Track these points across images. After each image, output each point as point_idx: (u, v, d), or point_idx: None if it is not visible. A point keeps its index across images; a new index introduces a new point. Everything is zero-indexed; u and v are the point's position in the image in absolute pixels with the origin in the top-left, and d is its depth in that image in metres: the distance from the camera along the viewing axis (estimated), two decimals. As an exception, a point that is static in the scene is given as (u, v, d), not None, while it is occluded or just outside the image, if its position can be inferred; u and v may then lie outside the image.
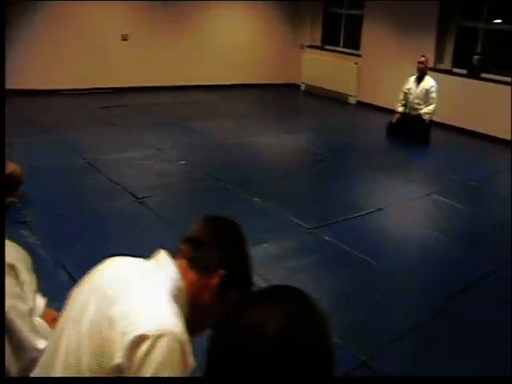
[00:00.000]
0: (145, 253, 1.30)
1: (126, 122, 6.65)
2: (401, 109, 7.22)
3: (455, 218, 4.55)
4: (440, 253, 3.91)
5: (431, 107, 6.95)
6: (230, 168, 5.27)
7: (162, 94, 8.39)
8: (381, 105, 8.70)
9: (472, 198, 5.18)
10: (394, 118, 7.23)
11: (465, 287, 3.41)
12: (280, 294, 0.81)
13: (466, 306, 3.22)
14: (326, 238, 3.84)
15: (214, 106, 8.17)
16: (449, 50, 8.26)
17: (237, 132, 6.64)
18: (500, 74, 7.64)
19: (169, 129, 6.53)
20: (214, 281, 1.15)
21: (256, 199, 4.43)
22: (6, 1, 6.47)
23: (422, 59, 7.03)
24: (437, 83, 6.99)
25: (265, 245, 3.67)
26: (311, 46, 10.03)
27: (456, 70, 8.13)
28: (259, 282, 3.15)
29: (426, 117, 6.96)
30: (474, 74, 7.82)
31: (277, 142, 6.44)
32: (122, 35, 8.20)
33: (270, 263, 3.46)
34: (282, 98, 9.43)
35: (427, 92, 6.94)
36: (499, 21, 7.78)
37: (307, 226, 3.99)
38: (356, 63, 9.16)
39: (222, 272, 1.15)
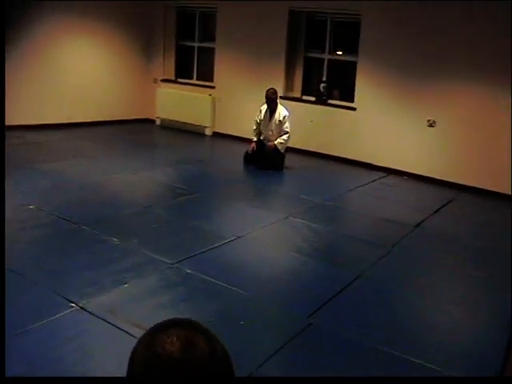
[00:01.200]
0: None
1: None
2: (256, 138, 7.58)
3: (313, 238, 4.88)
4: (301, 272, 4.18)
5: (285, 137, 7.34)
6: (84, 209, 5.15)
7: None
8: (237, 134, 9.09)
9: (327, 217, 5.61)
10: (250, 148, 7.55)
11: (328, 300, 3.68)
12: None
13: (330, 318, 3.47)
14: (188, 271, 3.92)
15: (65, 145, 7.93)
16: (298, 79, 8.92)
17: (90, 171, 6.51)
18: (343, 100, 8.43)
19: (13, 172, 6.18)
20: None
21: (114, 239, 4.39)
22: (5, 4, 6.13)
23: (269, 94, 7.26)
24: (288, 110, 7.47)
25: (126, 285, 3.65)
26: (165, 80, 10.21)
27: (305, 98, 8.79)
28: (122, 323, 3.15)
29: (280, 146, 7.36)
30: (321, 100, 8.53)
31: (133, 178, 6.43)
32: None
33: (132, 303, 3.45)
34: (137, 133, 9.43)
35: (280, 123, 7.34)
36: (340, 52, 8.60)
37: (168, 261, 4.05)
38: (210, 95, 9.51)
39: None
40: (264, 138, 7.51)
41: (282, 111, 7.37)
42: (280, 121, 7.33)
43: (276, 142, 7.34)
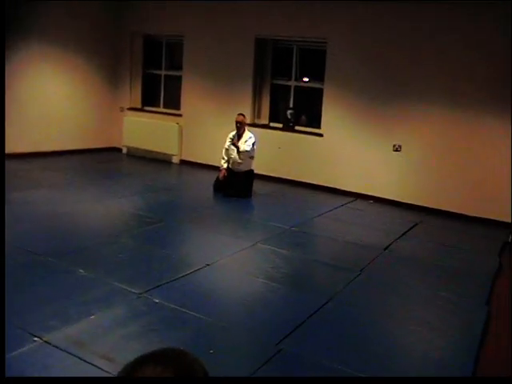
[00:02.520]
0: None
1: None
2: (225, 165, 7.65)
3: (281, 264, 4.93)
4: (270, 298, 4.20)
5: (247, 146, 7.37)
6: (50, 240, 5.08)
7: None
8: (204, 162, 9.15)
9: (295, 243, 5.67)
10: (221, 175, 7.62)
11: (297, 325, 3.71)
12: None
13: (300, 343, 3.50)
14: (157, 300, 3.90)
15: (30, 175, 7.84)
16: (265, 106, 9.05)
17: (55, 201, 6.45)
18: (310, 126, 8.58)
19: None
20: None
21: (80, 270, 4.34)
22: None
23: (238, 118, 7.49)
24: (256, 137, 7.55)
25: (92, 316, 3.61)
26: (131, 108, 10.24)
27: (273, 124, 8.92)
28: (89, 356, 3.11)
29: (240, 148, 7.34)
30: (288, 127, 8.66)
31: (100, 208, 6.39)
32: None
33: (99, 335, 3.41)
34: (103, 162, 9.40)
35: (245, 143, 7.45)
36: (307, 79, 8.78)
37: (136, 291, 4.02)
38: (177, 123, 9.56)
39: None
40: (232, 164, 7.58)
41: (247, 134, 7.52)
42: (246, 141, 7.44)
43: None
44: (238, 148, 7.39)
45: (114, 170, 9.13)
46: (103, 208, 6.41)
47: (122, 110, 10.27)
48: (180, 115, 9.63)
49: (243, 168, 7.51)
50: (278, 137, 8.67)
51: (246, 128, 7.64)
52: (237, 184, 7.41)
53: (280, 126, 8.82)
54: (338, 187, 8.09)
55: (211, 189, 7.60)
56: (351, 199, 7.77)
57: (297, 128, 8.67)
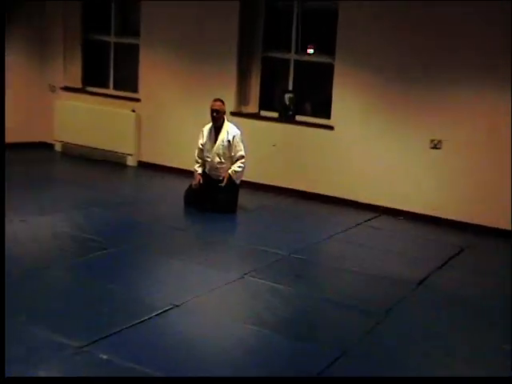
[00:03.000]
0: None
1: None
2: (200, 169, 7.65)
3: (278, 304, 4.90)
4: (262, 351, 4.17)
5: (240, 163, 7.43)
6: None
7: None
8: (171, 165, 9.15)
9: (297, 275, 5.66)
10: (195, 181, 7.62)
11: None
12: None
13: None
14: (104, 356, 3.85)
15: None
16: (254, 88, 9.01)
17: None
18: (317, 116, 8.58)
19: None
20: None
21: (-7, 314, 4.30)
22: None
23: (216, 105, 7.47)
24: (241, 131, 7.55)
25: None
26: (67, 88, 10.19)
27: (264, 113, 8.92)
28: None
29: (235, 176, 7.43)
30: (286, 116, 8.66)
31: (23, 227, 6.35)
32: None
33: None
34: (28, 163, 9.35)
35: (230, 145, 7.44)
36: (312, 51, 8.80)
37: (76, 345, 3.96)
38: (133, 111, 9.54)
39: None
40: (210, 169, 7.56)
41: (230, 129, 7.51)
42: (229, 141, 7.43)
43: (230, 172, 7.41)
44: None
45: (43, 174, 9.09)
46: (27, 227, 6.37)
47: (52, 89, 10.24)
48: (137, 100, 9.62)
49: (224, 173, 7.49)
50: (273, 130, 8.68)
51: (226, 118, 7.63)
52: (216, 195, 7.39)
53: (275, 115, 8.84)
54: (354, 199, 8.09)
55: (181, 202, 7.60)
56: (373, 215, 7.78)
57: (298, 118, 8.69)
